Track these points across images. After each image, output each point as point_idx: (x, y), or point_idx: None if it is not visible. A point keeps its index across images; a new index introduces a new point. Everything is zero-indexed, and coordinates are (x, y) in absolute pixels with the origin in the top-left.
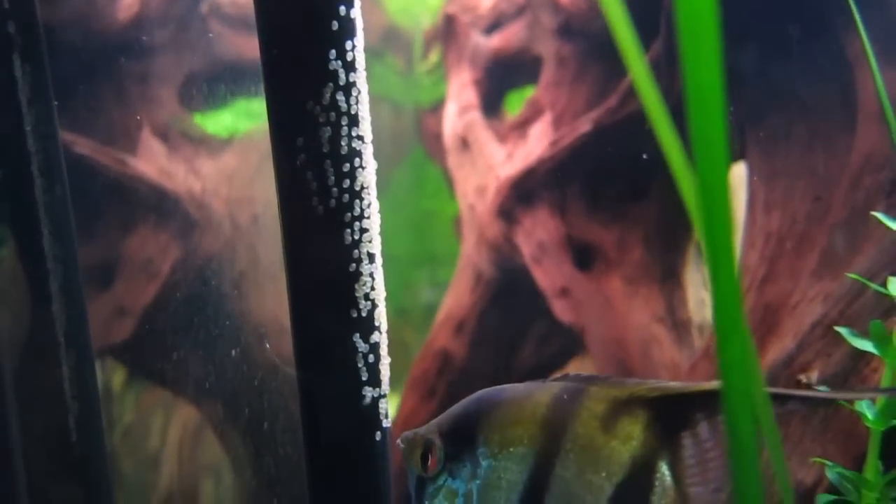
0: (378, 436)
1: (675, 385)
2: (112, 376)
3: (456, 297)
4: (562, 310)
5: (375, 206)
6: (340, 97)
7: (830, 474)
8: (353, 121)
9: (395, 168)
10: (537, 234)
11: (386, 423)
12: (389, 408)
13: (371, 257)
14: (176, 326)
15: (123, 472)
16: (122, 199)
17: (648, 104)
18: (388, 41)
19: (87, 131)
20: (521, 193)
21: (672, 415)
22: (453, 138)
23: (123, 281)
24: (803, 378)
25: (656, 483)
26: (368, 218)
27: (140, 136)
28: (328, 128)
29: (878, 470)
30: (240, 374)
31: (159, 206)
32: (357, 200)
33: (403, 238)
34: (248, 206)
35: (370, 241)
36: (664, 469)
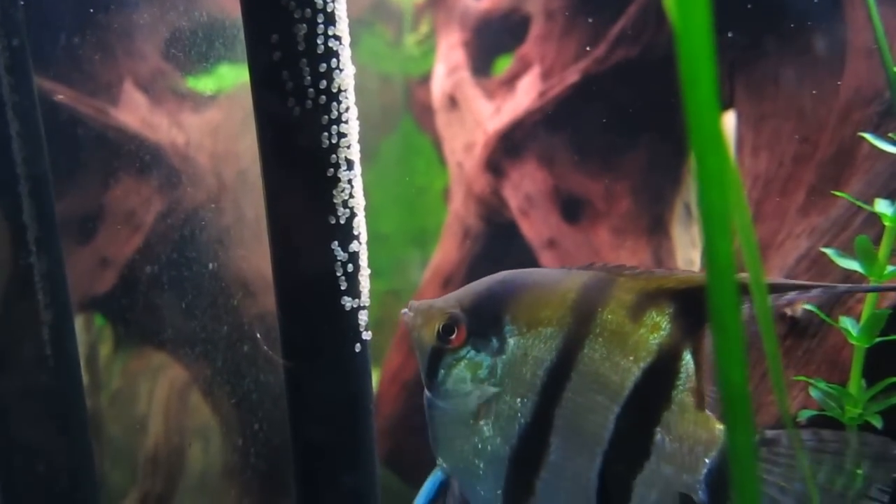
0: (358, 347)
1: (701, 277)
2: (100, 336)
3: (444, 253)
4: (549, 261)
5: (354, 111)
6: None
7: (814, 392)
8: (330, 19)
9: (385, 139)
10: (525, 187)
11: (366, 336)
12: (367, 318)
13: (350, 164)
14: (159, 278)
15: (112, 434)
16: (104, 150)
17: None
18: (378, 11)
19: (69, 81)
20: (509, 146)
21: (697, 307)
22: (442, 98)
23: (106, 232)
24: (788, 311)
25: (681, 370)
26: (346, 122)
27: (122, 87)
28: (303, 24)
29: (861, 386)
30: (221, 327)
31: (142, 157)
32: (334, 103)
33: (394, 215)
34: (233, 161)
35: (349, 147)
36: (688, 357)
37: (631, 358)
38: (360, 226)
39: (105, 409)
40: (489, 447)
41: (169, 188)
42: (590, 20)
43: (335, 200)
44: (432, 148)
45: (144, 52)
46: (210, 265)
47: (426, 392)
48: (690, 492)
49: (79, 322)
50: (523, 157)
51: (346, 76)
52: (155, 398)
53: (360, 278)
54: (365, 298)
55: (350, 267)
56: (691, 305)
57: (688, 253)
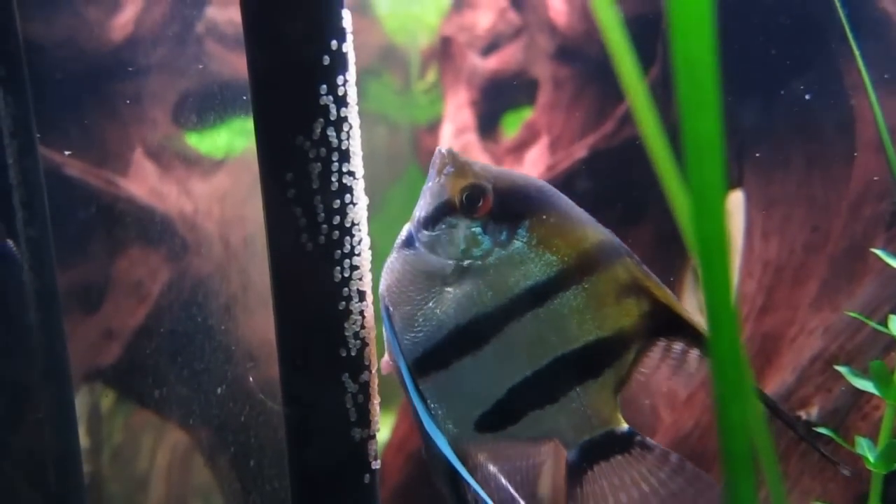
0: (367, 478)
1: (683, 310)
2: (101, 399)
3: None
4: None
5: (367, 242)
6: (331, 132)
7: None
8: (344, 156)
9: (391, 187)
10: None
11: (375, 465)
12: (377, 447)
13: (361, 295)
14: (165, 349)
15: (112, 494)
16: (112, 221)
17: (646, 129)
18: (386, 60)
19: (79, 152)
20: None
21: (666, 322)
22: None
23: (112, 303)
24: (803, 414)
25: (623, 358)
26: (359, 255)
27: (132, 157)
28: (318, 163)
29: None
30: (229, 400)
31: (150, 227)
32: (347, 237)
33: None
34: (240, 227)
35: (360, 279)
36: (631, 354)
37: (596, 323)
38: (371, 355)
39: (106, 468)
40: (437, 311)
41: (176, 258)
42: (597, 91)
43: (346, 333)
44: None
45: (155, 119)
46: (216, 333)
47: (410, 226)
48: (565, 446)
49: (82, 393)
50: None
51: (360, 209)
52: (157, 461)
53: (371, 407)
54: (375, 427)
55: (360, 397)
56: (663, 317)
57: (696, 318)
